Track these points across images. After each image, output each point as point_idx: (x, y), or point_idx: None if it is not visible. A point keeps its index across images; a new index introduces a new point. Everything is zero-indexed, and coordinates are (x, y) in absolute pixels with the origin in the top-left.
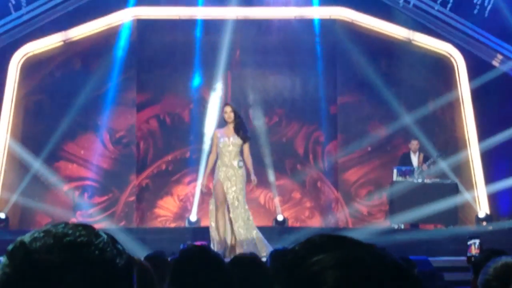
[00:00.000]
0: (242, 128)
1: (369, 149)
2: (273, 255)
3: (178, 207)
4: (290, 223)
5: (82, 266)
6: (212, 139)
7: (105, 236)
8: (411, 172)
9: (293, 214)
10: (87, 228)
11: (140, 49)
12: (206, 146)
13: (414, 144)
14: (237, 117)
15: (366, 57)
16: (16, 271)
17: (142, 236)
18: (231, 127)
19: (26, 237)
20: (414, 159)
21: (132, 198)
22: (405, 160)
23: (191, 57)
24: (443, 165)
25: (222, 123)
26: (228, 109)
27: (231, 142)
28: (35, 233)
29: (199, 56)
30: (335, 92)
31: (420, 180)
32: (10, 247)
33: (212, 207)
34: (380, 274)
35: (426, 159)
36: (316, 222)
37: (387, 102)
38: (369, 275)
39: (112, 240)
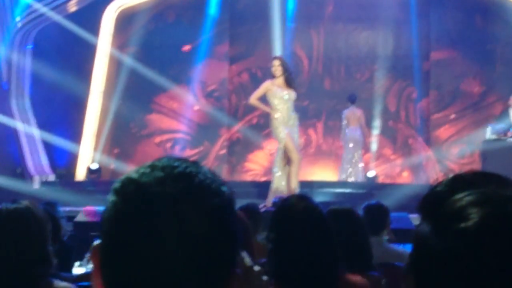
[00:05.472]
0: (293, 84)
1: (462, 106)
2: (367, 208)
3: (269, 161)
4: (381, 179)
5: (195, 195)
6: (266, 88)
7: (206, 167)
8: (505, 131)
9: (384, 171)
10: (187, 160)
11: (234, 2)
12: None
13: None
14: (285, 70)
15: (460, 13)
16: (129, 206)
17: (233, 189)
18: (280, 80)
19: (133, 174)
20: None
21: (223, 151)
22: (504, 116)
23: (284, 11)
24: None
25: (314, 77)
26: (276, 62)
27: (290, 95)
28: (140, 169)
29: (292, 10)
30: (429, 48)
31: None
32: (117, 185)
33: (280, 158)
34: None
35: None
36: (406, 179)
37: (482, 59)
38: None
39: (212, 171)
